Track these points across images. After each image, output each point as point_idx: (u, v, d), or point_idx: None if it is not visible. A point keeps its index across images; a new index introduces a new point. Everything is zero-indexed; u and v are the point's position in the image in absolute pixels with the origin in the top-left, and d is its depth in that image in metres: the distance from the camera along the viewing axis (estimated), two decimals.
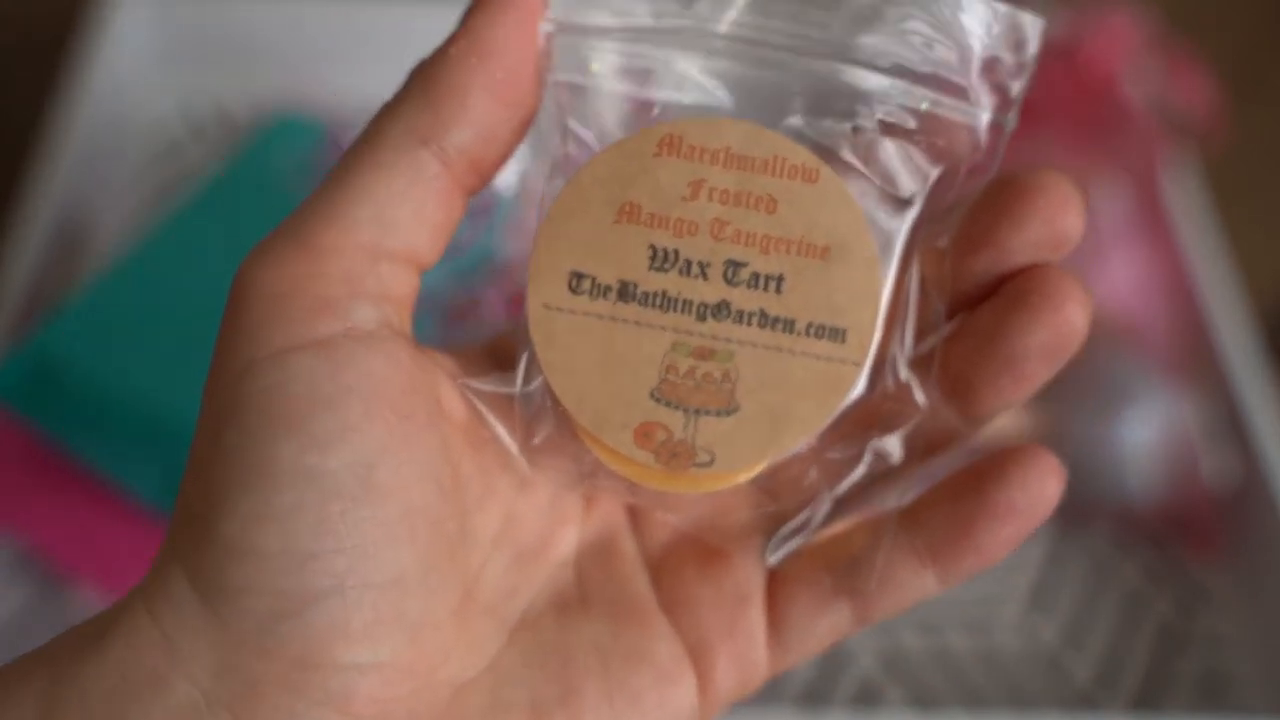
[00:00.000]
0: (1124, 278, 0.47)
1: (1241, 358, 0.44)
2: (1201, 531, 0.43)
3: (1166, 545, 0.44)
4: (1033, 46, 0.19)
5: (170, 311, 0.41)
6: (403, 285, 0.19)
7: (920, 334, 0.20)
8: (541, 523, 0.21)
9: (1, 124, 0.54)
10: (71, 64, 0.51)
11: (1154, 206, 0.49)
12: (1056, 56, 0.48)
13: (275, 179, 0.46)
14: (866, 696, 0.40)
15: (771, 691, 0.40)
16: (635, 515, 0.22)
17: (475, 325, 0.41)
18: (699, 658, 0.20)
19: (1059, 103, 0.47)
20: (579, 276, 0.19)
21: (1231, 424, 0.43)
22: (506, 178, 0.46)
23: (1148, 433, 0.42)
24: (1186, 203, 0.49)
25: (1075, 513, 0.44)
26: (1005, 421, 0.42)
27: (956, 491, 0.20)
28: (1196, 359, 0.45)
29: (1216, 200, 0.50)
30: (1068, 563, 0.43)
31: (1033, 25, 0.19)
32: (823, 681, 0.40)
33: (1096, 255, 0.47)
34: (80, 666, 0.17)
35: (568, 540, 0.22)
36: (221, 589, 0.17)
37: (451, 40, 0.19)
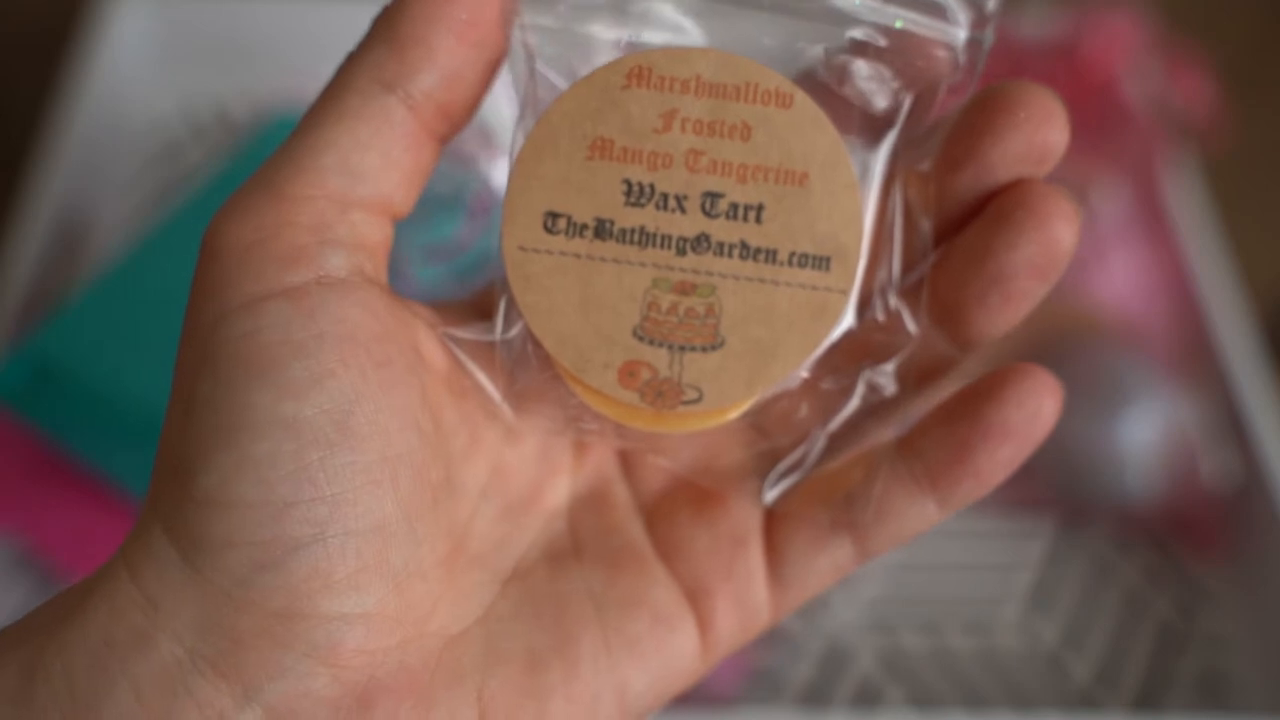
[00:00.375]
0: (1124, 278, 0.47)
1: (1241, 358, 0.44)
2: (1201, 531, 0.43)
3: (1166, 545, 0.44)
4: None
5: (170, 312, 0.41)
6: (375, 233, 0.19)
7: (908, 262, 0.20)
8: (531, 473, 0.21)
9: (2, 124, 0.54)
10: (71, 64, 0.51)
11: (1154, 206, 0.49)
12: (1057, 56, 0.48)
13: None
14: (866, 696, 0.40)
15: (772, 691, 0.40)
16: (628, 463, 0.22)
17: None
18: (698, 602, 0.20)
19: None
20: (554, 216, 0.19)
21: (1231, 424, 0.43)
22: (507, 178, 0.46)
23: (1148, 433, 0.42)
24: (1186, 203, 0.49)
25: (1075, 513, 0.44)
26: None
27: (951, 416, 0.20)
28: (1196, 359, 0.45)
29: (1216, 200, 0.50)
30: (1068, 563, 0.43)
31: None
32: (823, 681, 0.40)
33: (1096, 255, 0.47)
34: (63, 632, 0.17)
35: (559, 491, 0.21)
36: (201, 543, 0.17)
37: None
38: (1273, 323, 0.50)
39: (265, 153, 0.50)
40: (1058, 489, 0.43)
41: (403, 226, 0.31)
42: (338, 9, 0.53)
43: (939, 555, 0.43)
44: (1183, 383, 0.44)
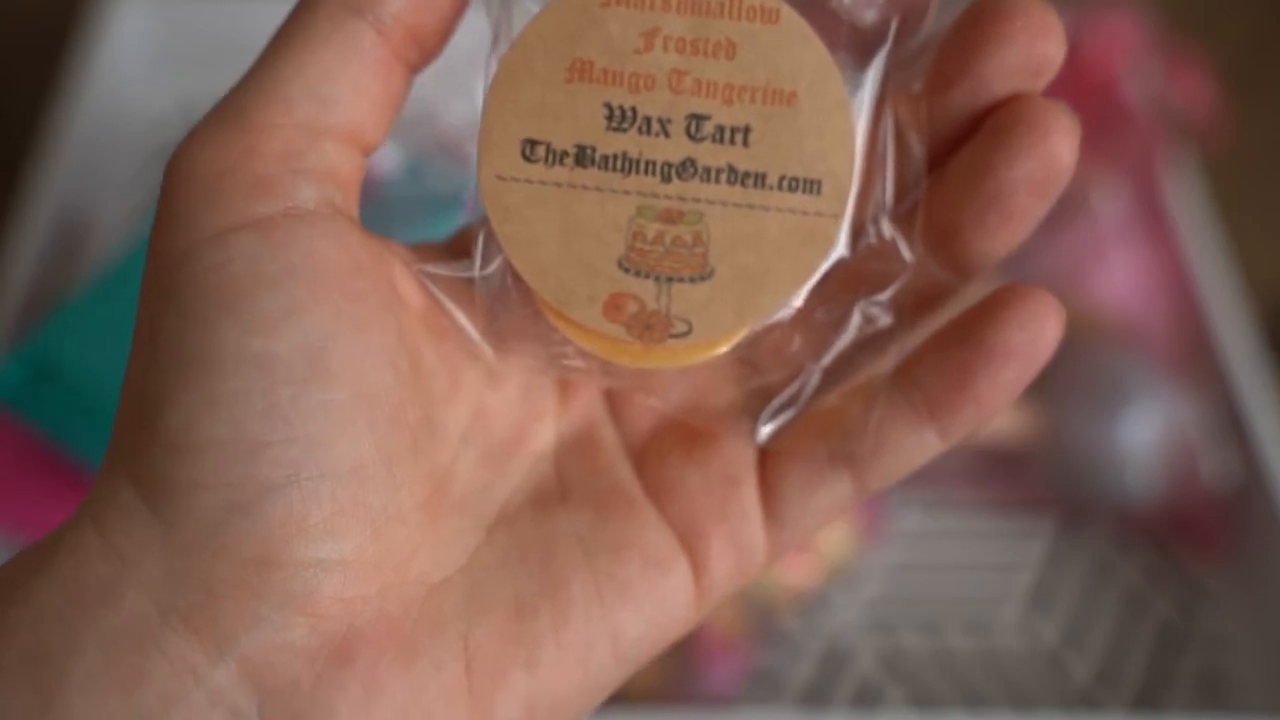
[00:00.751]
0: (1124, 278, 0.47)
1: (1241, 358, 0.44)
2: (1201, 531, 0.43)
3: (1166, 545, 0.44)
4: None
5: None
6: (347, 164, 0.18)
7: (902, 188, 0.19)
8: (514, 416, 0.20)
9: (2, 124, 0.54)
10: (71, 64, 0.51)
11: (1154, 206, 0.49)
12: None
13: None
14: (866, 696, 0.40)
15: (772, 691, 0.40)
16: (615, 405, 0.21)
17: None
18: (691, 544, 0.19)
19: None
20: (532, 143, 0.18)
21: (1231, 424, 0.43)
22: None
23: (1148, 433, 0.42)
24: (1186, 203, 0.49)
25: (1075, 513, 0.44)
26: (1004, 421, 0.42)
27: (949, 341, 0.19)
28: (1196, 359, 0.45)
29: (1216, 200, 0.50)
30: (1068, 563, 0.43)
31: None
32: (823, 681, 0.40)
33: (1096, 255, 0.47)
34: (30, 586, 0.16)
35: (544, 434, 0.21)
36: (167, 488, 0.16)
37: None
38: (1273, 323, 0.50)
39: None
40: (1058, 489, 0.43)
41: (403, 227, 0.31)
42: None
43: (939, 555, 0.43)
44: (1183, 383, 0.44)
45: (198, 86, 0.55)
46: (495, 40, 0.19)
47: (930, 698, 0.40)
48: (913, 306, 0.20)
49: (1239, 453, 0.43)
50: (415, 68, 0.19)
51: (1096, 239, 0.47)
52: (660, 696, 0.38)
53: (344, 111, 0.18)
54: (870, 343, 0.20)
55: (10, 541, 0.40)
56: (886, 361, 0.20)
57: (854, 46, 0.19)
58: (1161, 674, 0.41)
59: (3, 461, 0.41)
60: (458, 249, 0.20)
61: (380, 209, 0.40)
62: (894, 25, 0.19)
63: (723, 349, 0.19)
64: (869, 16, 0.19)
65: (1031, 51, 0.18)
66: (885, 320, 0.20)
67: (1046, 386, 0.42)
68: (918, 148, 0.19)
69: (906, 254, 0.19)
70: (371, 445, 0.17)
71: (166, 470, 0.16)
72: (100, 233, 0.50)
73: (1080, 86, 0.47)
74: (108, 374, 0.39)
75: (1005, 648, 0.41)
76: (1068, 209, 0.45)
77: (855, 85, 0.19)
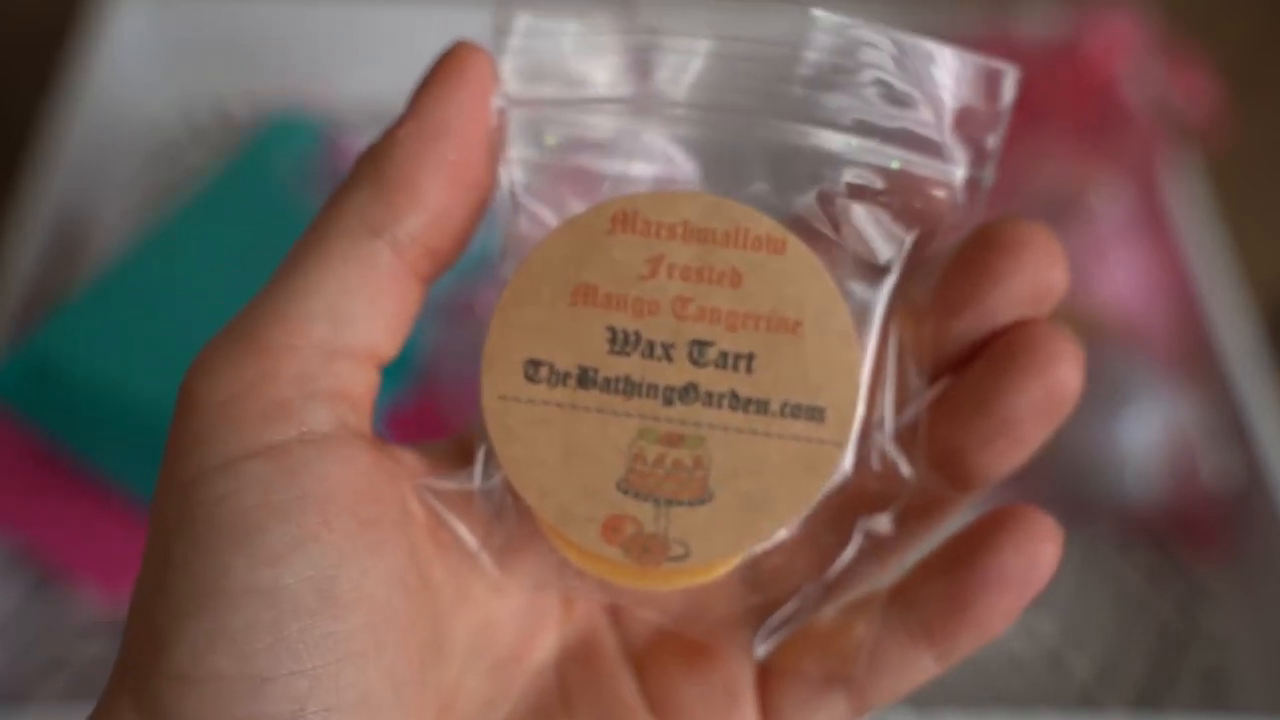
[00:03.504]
0: (1124, 278, 0.47)
1: (1241, 358, 0.44)
2: (1201, 531, 0.43)
3: (1166, 545, 0.44)
4: (1007, 97, 0.18)
5: (170, 311, 0.41)
6: (361, 383, 0.18)
7: (901, 404, 0.19)
8: (519, 626, 0.20)
9: (1, 124, 0.54)
10: (71, 64, 0.51)
11: (1154, 206, 0.49)
12: (1057, 56, 0.48)
13: (274, 180, 0.46)
14: None
15: None
16: (617, 611, 0.21)
17: (473, 326, 0.41)
18: None
19: (1059, 103, 0.47)
20: (535, 364, 0.18)
21: (1231, 424, 0.43)
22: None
23: (1148, 433, 0.41)
24: (1186, 203, 0.49)
25: (1075, 513, 0.44)
26: None
27: (947, 563, 0.19)
28: (1196, 359, 0.45)
29: (1216, 200, 0.50)
30: (1067, 562, 0.43)
31: (1007, 74, 0.18)
32: None
33: (1096, 255, 0.47)
34: None
35: (548, 643, 0.20)
36: None
37: (400, 122, 0.18)
38: (1273, 323, 0.50)
39: (265, 153, 0.50)
40: (1058, 489, 0.43)
41: None
42: (337, 9, 0.53)
43: None
44: (1183, 383, 0.44)
45: (198, 86, 0.55)
46: (504, 251, 0.19)
47: (930, 698, 0.40)
48: (914, 521, 0.20)
49: (1239, 453, 0.42)
50: (430, 280, 0.19)
51: (1096, 239, 0.47)
52: None
53: (360, 330, 0.18)
54: (870, 554, 0.20)
55: (8, 539, 0.40)
56: (885, 575, 0.20)
57: (861, 272, 0.19)
58: (1162, 674, 0.41)
59: (3, 461, 0.41)
60: (465, 451, 0.20)
61: None
62: (901, 252, 0.19)
63: (720, 573, 0.19)
64: (876, 246, 0.19)
65: (1038, 281, 0.18)
66: (886, 534, 0.20)
67: None
68: (920, 366, 0.19)
69: (906, 472, 0.19)
70: (379, 672, 0.17)
71: (171, 703, 0.16)
72: (100, 233, 0.50)
73: (1080, 86, 0.47)
74: (107, 373, 0.40)
75: (1005, 648, 0.41)
76: (1068, 209, 0.45)
77: (862, 307, 0.19)
